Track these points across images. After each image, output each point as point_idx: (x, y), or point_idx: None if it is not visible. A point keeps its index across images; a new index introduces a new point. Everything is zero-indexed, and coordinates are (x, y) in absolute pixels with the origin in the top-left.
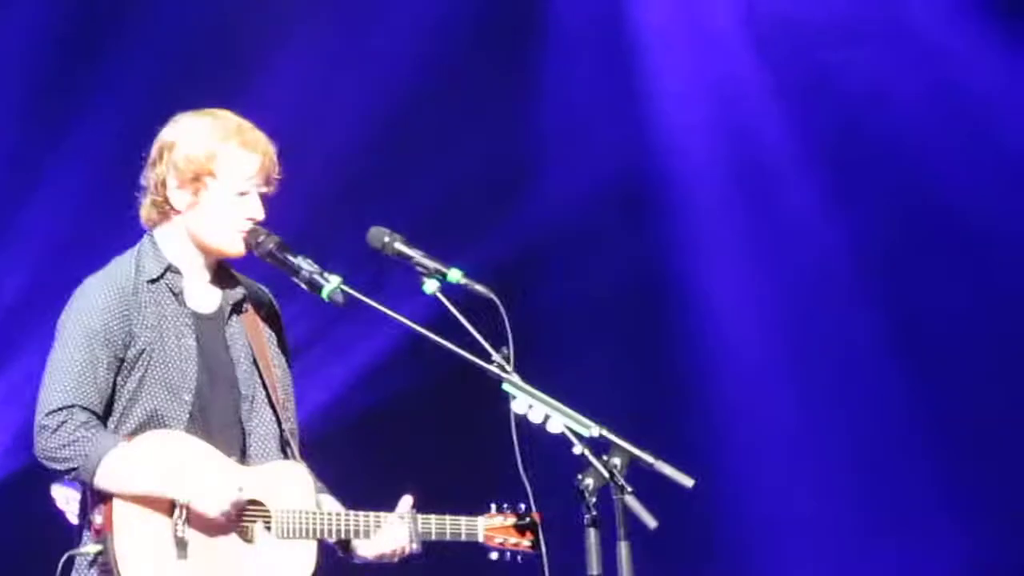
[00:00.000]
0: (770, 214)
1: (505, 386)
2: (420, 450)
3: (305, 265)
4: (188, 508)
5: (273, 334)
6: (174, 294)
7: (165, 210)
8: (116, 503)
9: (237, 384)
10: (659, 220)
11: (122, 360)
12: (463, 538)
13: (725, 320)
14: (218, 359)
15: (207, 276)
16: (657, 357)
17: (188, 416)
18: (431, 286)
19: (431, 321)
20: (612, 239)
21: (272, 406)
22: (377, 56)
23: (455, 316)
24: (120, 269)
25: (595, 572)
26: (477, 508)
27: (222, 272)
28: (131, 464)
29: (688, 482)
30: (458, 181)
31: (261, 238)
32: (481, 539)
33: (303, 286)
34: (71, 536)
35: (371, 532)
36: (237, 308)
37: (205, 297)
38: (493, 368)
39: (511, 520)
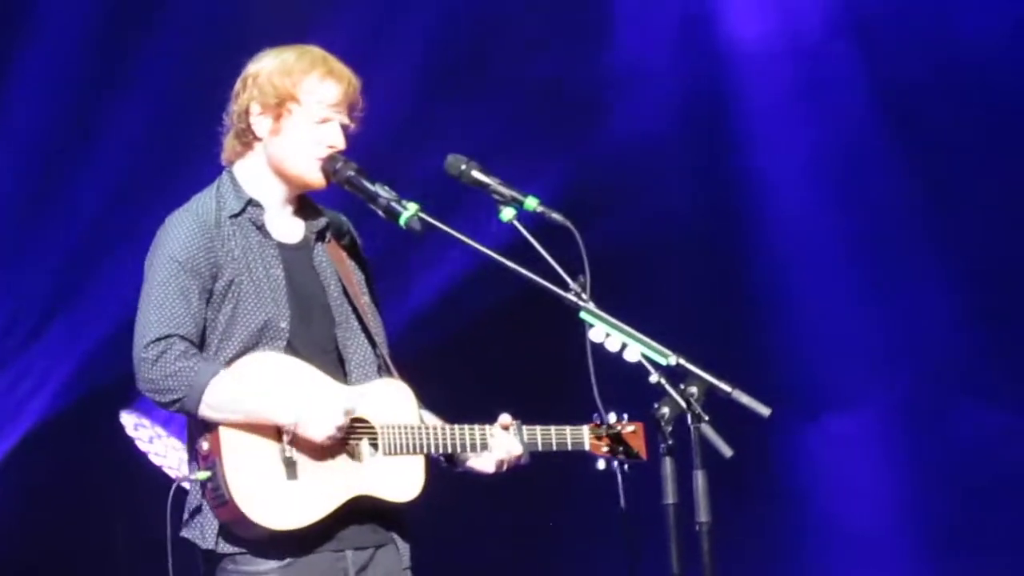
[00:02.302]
0: (834, 138)
1: (582, 314)
2: (497, 376)
3: (383, 192)
4: (295, 432)
5: (355, 262)
6: (257, 227)
7: (248, 140)
8: (222, 428)
9: (330, 311)
10: (727, 149)
11: (211, 292)
12: (569, 447)
13: (795, 246)
14: (308, 288)
15: (289, 208)
16: (728, 285)
17: (285, 344)
18: (508, 214)
19: (506, 249)
20: (680, 169)
21: (366, 331)
22: None
23: (531, 244)
24: (201, 204)
25: (671, 501)
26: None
27: (303, 203)
28: (235, 391)
29: (765, 411)
30: (527, 112)
31: (339, 165)
32: (587, 447)
33: (380, 213)
34: (146, 466)
35: (477, 445)
36: (321, 236)
37: (289, 228)
38: (570, 296)
39: (615, 429)
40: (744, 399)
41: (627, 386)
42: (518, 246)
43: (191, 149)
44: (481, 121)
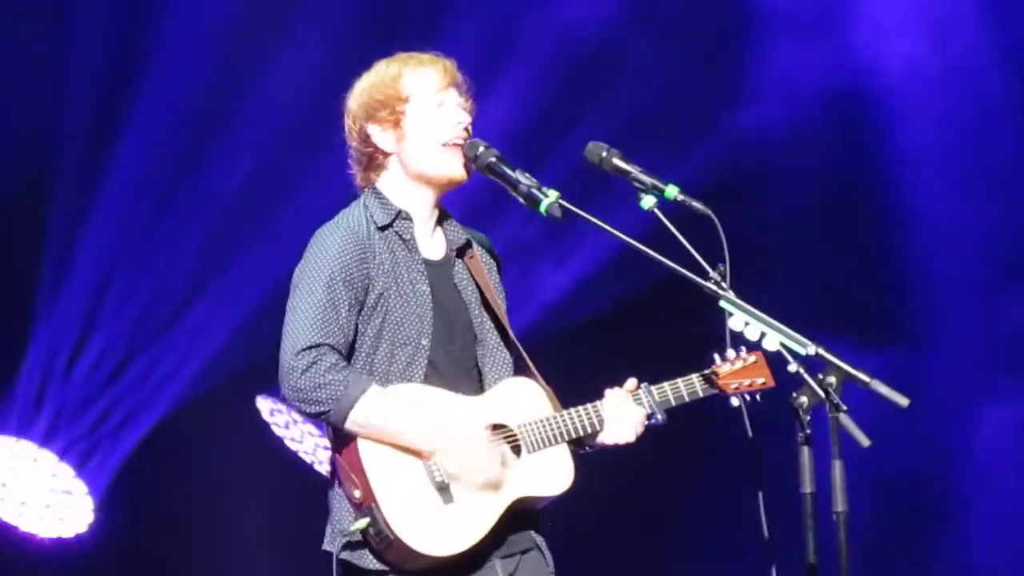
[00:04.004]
0: (971, 128)
1: (722, 303)
2: (630, 368)
3: (523, 179)
4: (433, 458)
5: (495, 280)
6: (404, 240)
7: (378, 160)
8: (370, 473)
9: (472, 328)
10: (864, 136)
11: (362, 304)
12: (701, 394)
13: (929, 236)
14: (451, 304)
15: (432, 221)
16: (865, 271)
17: (427, 362)
18: (648, 202)
19: (645, 237)
20: (819, 157)
21: (506, 346)
22: None
23: (670, 232)
24: (352, 216)
25: (808, 490)
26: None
27: (445, 218)
28: (382, 411)
29: (903, 401)
30: (662, 99)
31: (480, 150)
32: (718, 390)
33: (521, 200)
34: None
35: (614, 416)
36: (461, 253)
37: (432, 244)
38: (710, 285)
39: (739, 363)
40: (883, 389)
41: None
42: (658, 234)
43: (324, 142)
44: (618, 112)
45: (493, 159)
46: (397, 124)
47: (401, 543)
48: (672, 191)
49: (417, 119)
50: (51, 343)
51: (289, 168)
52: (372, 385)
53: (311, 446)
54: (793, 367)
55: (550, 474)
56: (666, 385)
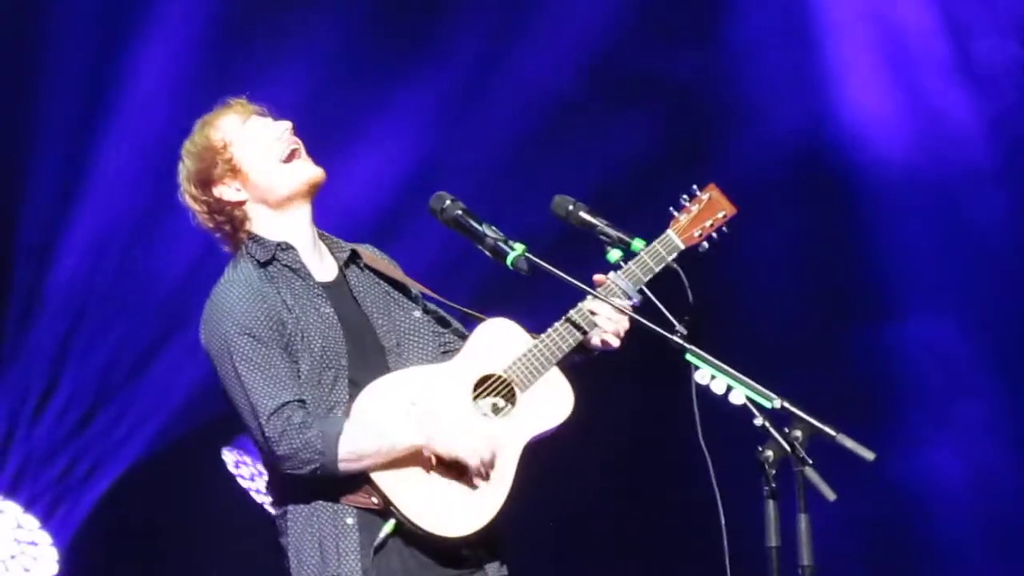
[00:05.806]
0: (951, 192)
1: (688, 356)
2: (600, 418)
3: (490, 232)
4: (432, 448)
5: (392, 281)
6: (294, 270)
7: (234, 214)
8: (376, 479)
9: (378, 339)
10: (834, 195)
11: (286, 346)
12: (669, 258)
13: (909, 303)
14: (355, 320)
15: (317, 244)
16: (836, 328)
17: (348, 382)
18: (614, 255)
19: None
20: (789, 210)
21: (421, 348)
22: (549, 27)
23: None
24: (239, 268)
25: (773, 544)
26: (665, 481)
27: (323, 237)
28: (361, 440)
29: (869, 455)
30: (629, 154)
31: (447, 203)
32: (683, 246)
33: (487, 253)
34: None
35: (593, 317)
36: (348, 265)
37: (323, 267)
38: (676, 338)
39: (695, 207)
40: (849, 443)
41: (732, 429)
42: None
43: None
44: (578, 167)
45: (459, 212)
46: (234, 170)
47: (430, 535)
48: (638, 244)
49: (247, 153)
50: (15, 395)
51: None
52: (343, 422)
53: None
54: (759, 421)
55: (550, 403)
56: (631, 264)
